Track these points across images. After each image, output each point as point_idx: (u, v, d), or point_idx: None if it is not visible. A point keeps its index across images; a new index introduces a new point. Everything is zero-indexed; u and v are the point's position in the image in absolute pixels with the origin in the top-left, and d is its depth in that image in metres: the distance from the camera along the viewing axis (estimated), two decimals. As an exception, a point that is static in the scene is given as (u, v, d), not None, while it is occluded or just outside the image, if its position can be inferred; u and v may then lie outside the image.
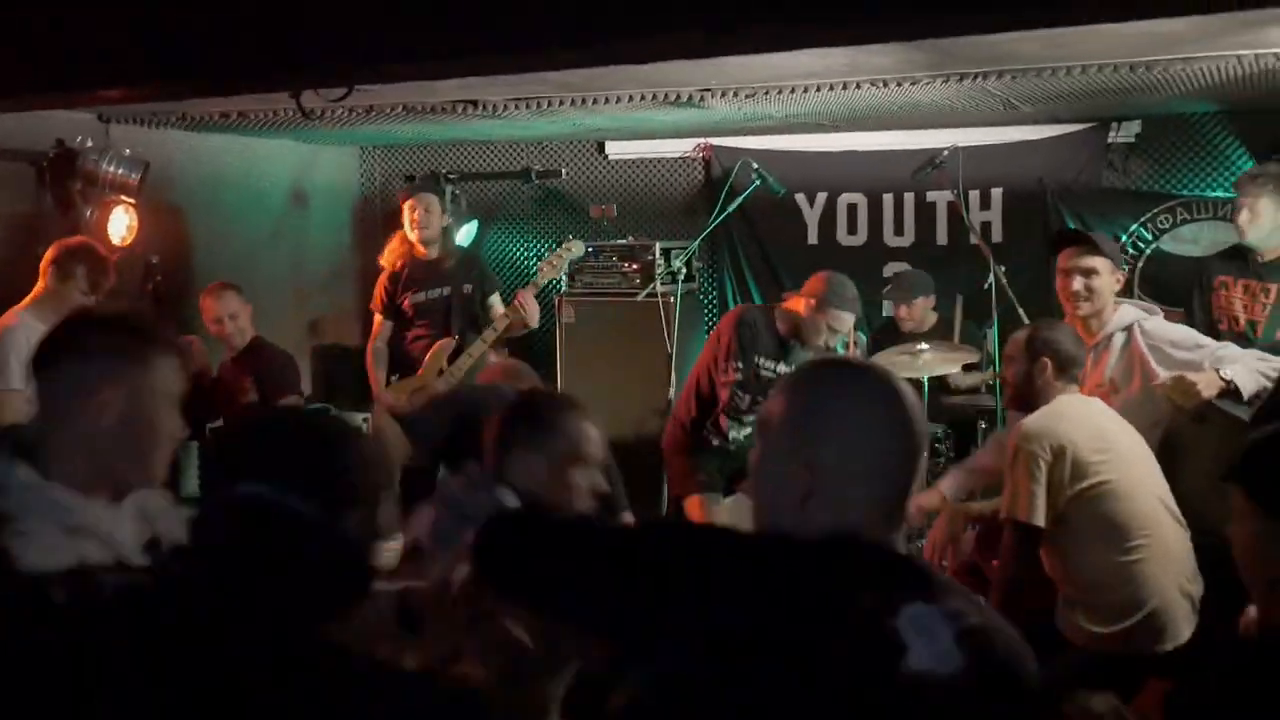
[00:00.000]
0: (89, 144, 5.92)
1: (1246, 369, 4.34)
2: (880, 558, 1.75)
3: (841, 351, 5.63)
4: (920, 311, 6.72)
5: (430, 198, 6.36)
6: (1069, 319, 4.49)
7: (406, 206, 6.35)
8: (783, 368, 5.36)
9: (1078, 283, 4.48)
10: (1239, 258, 5.42)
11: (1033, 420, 3.94)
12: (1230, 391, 4.31)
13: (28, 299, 4.98)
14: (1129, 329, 4.47)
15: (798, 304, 5.34)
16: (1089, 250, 4.45)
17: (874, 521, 1.78)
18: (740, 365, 5.25)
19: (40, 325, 4.80)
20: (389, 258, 6.45)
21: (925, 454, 1.85)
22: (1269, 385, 4.27)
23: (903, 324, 6.81)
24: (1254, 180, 5.28)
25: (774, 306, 5.56)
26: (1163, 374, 4.37)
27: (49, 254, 5.08)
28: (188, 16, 3.50)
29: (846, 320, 5.32)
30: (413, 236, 6.32)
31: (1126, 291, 6.55)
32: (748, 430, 5.25)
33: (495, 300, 6.43)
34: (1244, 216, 5.25)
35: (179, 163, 6.84)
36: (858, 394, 1.82)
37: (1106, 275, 4.46)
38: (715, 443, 5.45)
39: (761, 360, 5.36)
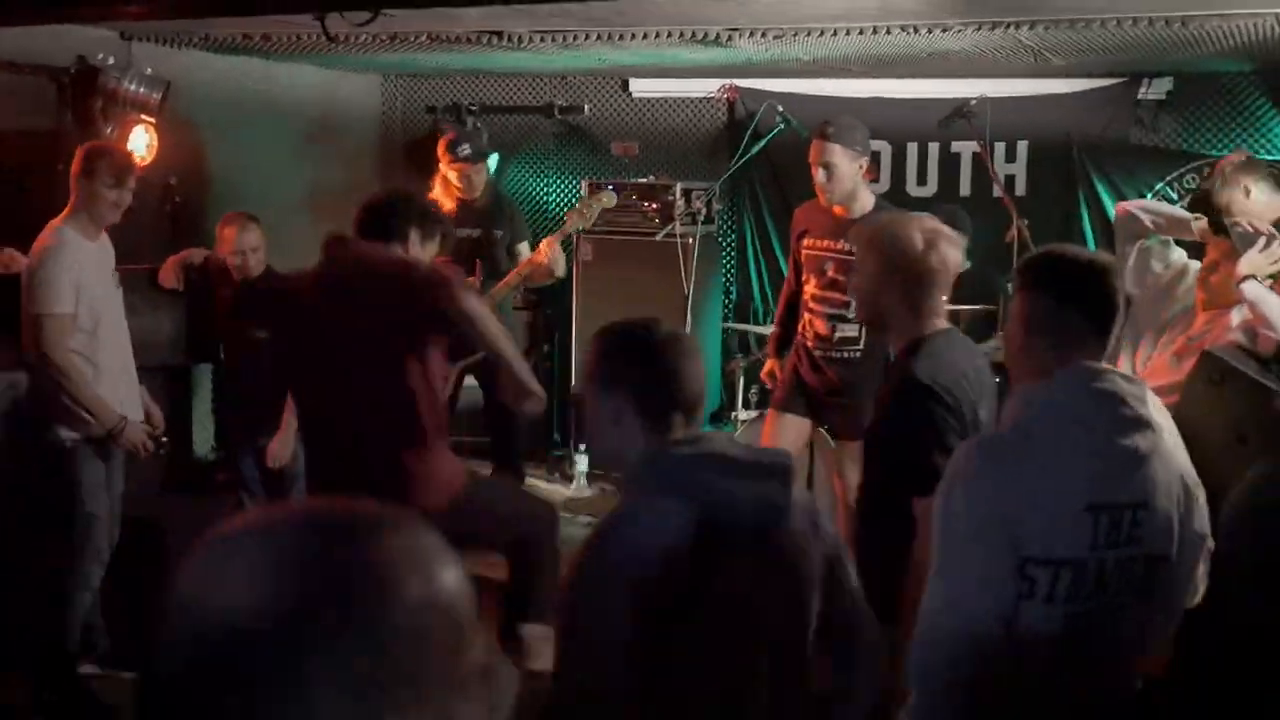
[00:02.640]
0: (110, 61, 5.87)
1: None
2: None
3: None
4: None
5: (481, 166, 6.37)
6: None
7: (455, 170, 6.30)
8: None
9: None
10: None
11: None
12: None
13: (64, 213, 4.94)
14: None
15: None
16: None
17: None
18: None
19: (83, 239, 4.81)
20: (440, 200, 6.43)
21: None
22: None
23: None
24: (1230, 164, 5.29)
25: None
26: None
27: (73, 165, 5.04)
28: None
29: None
30: (461, 192, 6.35)
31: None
32: None
33: (524, 248, 6.45)
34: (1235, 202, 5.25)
35: (200, 84, 6.79)
36: None
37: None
38: None
39: None
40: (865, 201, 5.29)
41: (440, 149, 6.38)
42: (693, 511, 2.17)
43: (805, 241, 5.42)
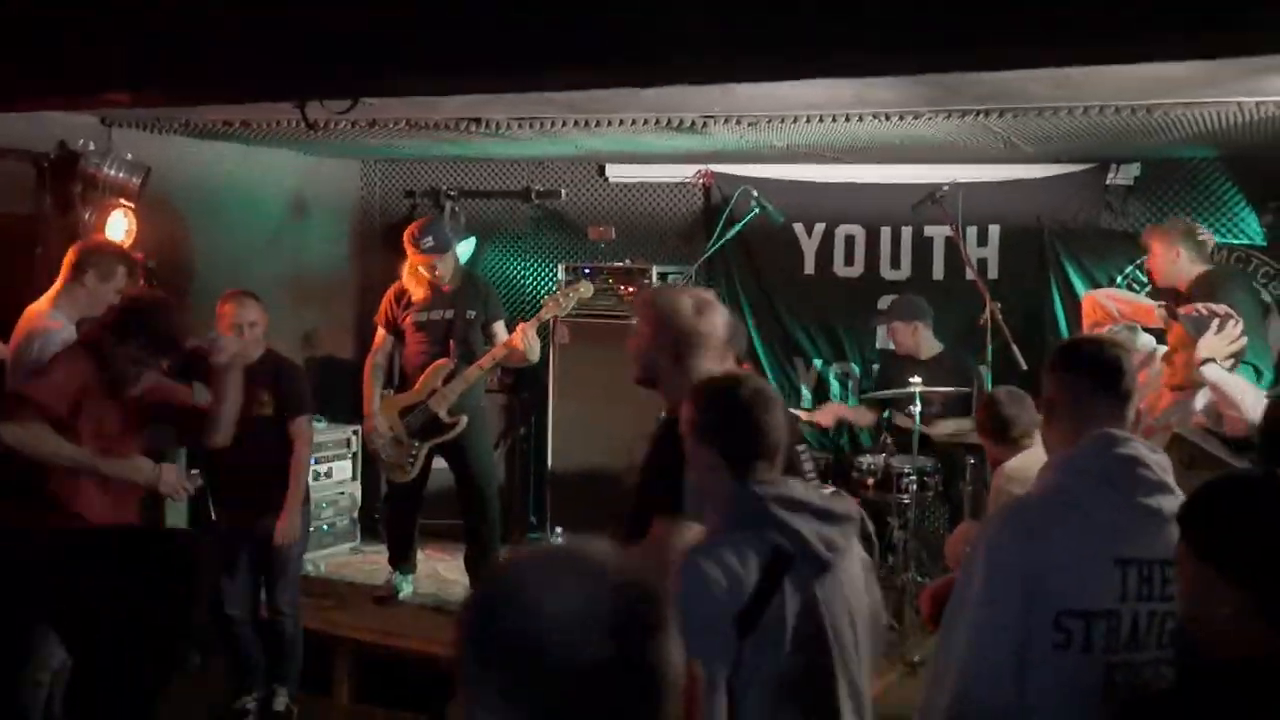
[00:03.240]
0: (91, 146, 5.93)
1: (1225, 372, 4.50)
2: None
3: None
4: (909, 336, 6.73)
5: (447, 255, 6.41)
6: None
7: (421, 261, 6.34)
8: None
9: None
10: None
11: (1014, 463, 4.03)
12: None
13: (51, 295, 4.96)
14: None
15: None
16: None
17: None
18: None
19: (69, 324, 4.86)
20: (410, 288, 6.47)
21: None
22: (1230, 393, 4.41)
23: (897, 348, 6.85)
24: (1151, 229, 5.72)
25: None
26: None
27: (76, 252, 5.05)
28: (194, 23, 3.51)
29: None
30: (429, 282, 6.41)
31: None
32: None
33: (500, 328, 6.48)
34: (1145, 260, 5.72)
35: (180, 168, 6.83)
36: None
37: None
38: None
39: None
40: None
41: (406, 240, 6.42)
42: (765, 544, 2.63)
43: None
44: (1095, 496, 2.64)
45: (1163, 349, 4.84)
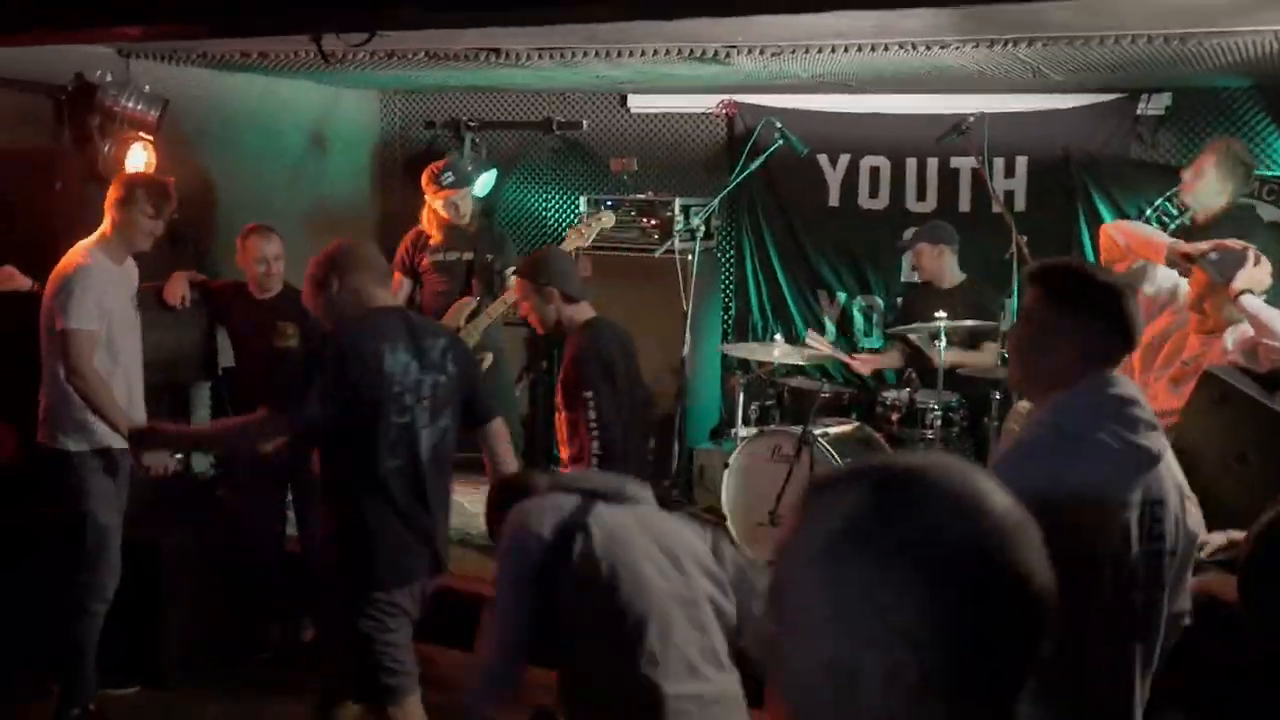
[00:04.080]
0: (108, 79, 5.87)
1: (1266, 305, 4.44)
2: None
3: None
4: (934, 260, 6.65)
5: (466, 192, 6.39)
6: None
7: (440, 198, 6.33)
8: None
9: None
10: (1183, 233, 5.49)
11: (1027, 403, 3.96)
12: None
13: (95, 236, 5.00)
14: None
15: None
16: None
17: None
18: None
19: (112, 264, 4.92)
20: (429, 228, 6.48)
21: None
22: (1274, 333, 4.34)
23: (920, 273, 6.79)
24: (1215, 147, 5.43)
25: None
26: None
27: (111, 191, 5.08)
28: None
29: None
30: (447, 220, 6.41)
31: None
32: None
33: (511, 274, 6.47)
34: (1189, 174, 5.42)
35: (199, 101, 6.79)
36: None
37: None
38: None
39: None
40: None
41: (425, 179, 6.39)
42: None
43: None
44: (1104, 436, 2.62)
45: (1185, 283, 4.75)
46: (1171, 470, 2.76)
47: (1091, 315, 2.71)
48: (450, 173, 6.33)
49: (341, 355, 3.90)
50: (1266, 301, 4.56)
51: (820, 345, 6.96)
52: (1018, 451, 2.77)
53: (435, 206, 6.40)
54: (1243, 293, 4.52)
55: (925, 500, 1.15)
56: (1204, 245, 4.65)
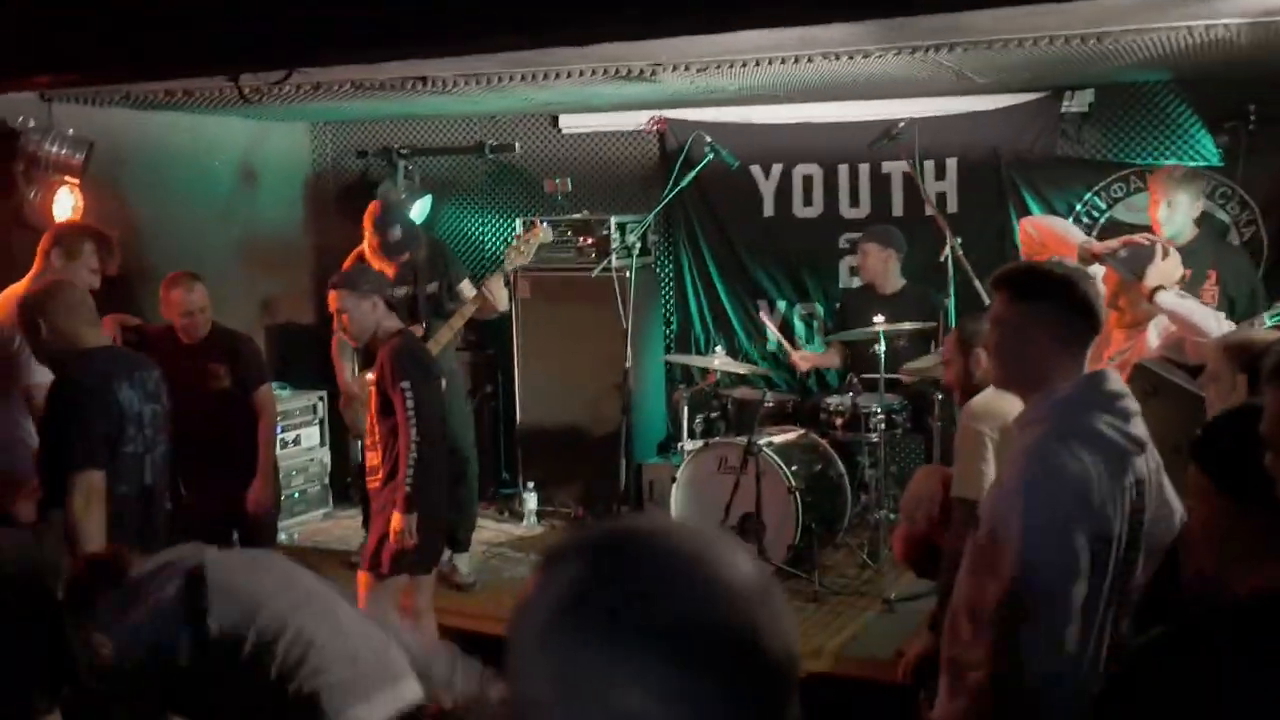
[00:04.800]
0: (31, 124, 5.82)
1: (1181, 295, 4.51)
2: None
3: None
4: (880, 262, 6.68)
5: (394, 231, 6.27)
6: None
7: (389, 267, 6.24)
8: None
9: None
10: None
11: (980, 400, 3.99)
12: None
13: (25, 281, 4.96)
14: None
15: None
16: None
17: None
18: None
19: None
20: (370, 259, 6.40)
21: None
22: (1189, 318, 4.42)
23: (862, 274, 6.82)
24: (1170, 176, 5.57)
25: None
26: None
27: (48, 237, 5.05)
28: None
29: None
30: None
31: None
32: None
33: (465, 286, 6.44)
34: (1163, 211, 5.49)
35: (125, 141, 6.72)
36: None
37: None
38: None
39: None
40: None
41: (367, 224, 6.21)
42: None
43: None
44: (1104, 428, 2.78)
45: (1099, 270, 4.81)
46: (1152, 450, 2.94)
47: (1055, 304, 2.86)
48: (397, 227, 6.16)
49: (82, 394, 4.21)
50: (1222, 294, 4.66)
51: (771, 323, 7.02)
52: (1037, 451, 2.84)
53: (374, 246, 6.29)
54: (1157, 289, 4.59)
55: (642, 565, 1.06)
56: (1113, 243, 4.72)
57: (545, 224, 6.78)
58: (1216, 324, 4.49)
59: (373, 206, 6.33)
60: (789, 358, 7.13)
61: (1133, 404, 2.86)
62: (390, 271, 6.21)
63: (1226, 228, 6.34)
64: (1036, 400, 2.89)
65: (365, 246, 6.33)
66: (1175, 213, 5.47)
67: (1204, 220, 5.76)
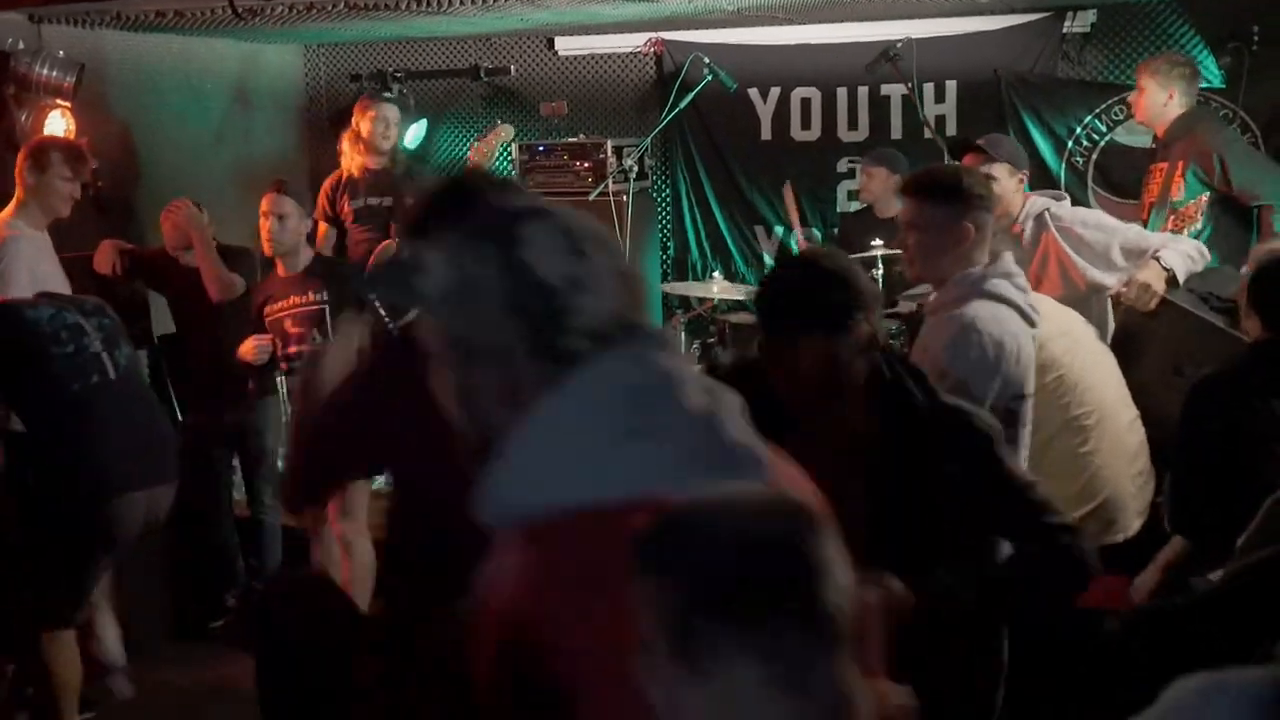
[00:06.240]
0: (20, 46, 5.74)
1: (1176, 253, 4.49)
2: None
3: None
4: (885, 188, 6.61)
5: (393, 110, 6.34)
6: None
7: (367, 117, 6.26)
8: None
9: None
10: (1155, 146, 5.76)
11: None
12: (1170, 279, 4.46)
13: (11, 207, 4.95)
14: (1039, 218, 4.61)
15: None
16: (985, 159, 4.56)
17: None
18: None
19: (35, 231, 4.86)
20: (347, 164, 6.41)
21: None
22: (1195, 267, 4.44)
23: (865, 194, 6.75)
24: (1144, 66, 5.61)
25: None
26: (1093, 272, 4.51)
27: (19, 157, 5.02)
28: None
29: None
30: (370, 145, 6.30)
31: (1081, 182, 6.58)
32: None
33: None
34: (1133, 98, 5.67)
35: (116, 64, 6.64)
36: None
37: (1006, 179, 4.59)
38: None
39: None
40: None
41: (359, 104, 6.33)
42: None
43: (265, 311, 5.45)
44: (1014, 297, 3.35)
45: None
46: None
47: (963, 203, 3.33)
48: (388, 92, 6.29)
49: None
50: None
51: (791, 202, 7.03)
52: (962, 315, 3.26)
53: (362, 128, 6.33)
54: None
55: None
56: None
57: (505, 125, 6.75)
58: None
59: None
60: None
61: (1023, 280, 3.42)
62: (368, 153, 6.26)
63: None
64: (950, 284, 3.34)
65: (344, 142, 6.36)
66: (1144, 98, 5.50)
67: (1198, 116, 5.64)
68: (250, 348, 5.38)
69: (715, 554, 1.26)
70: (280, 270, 5.51)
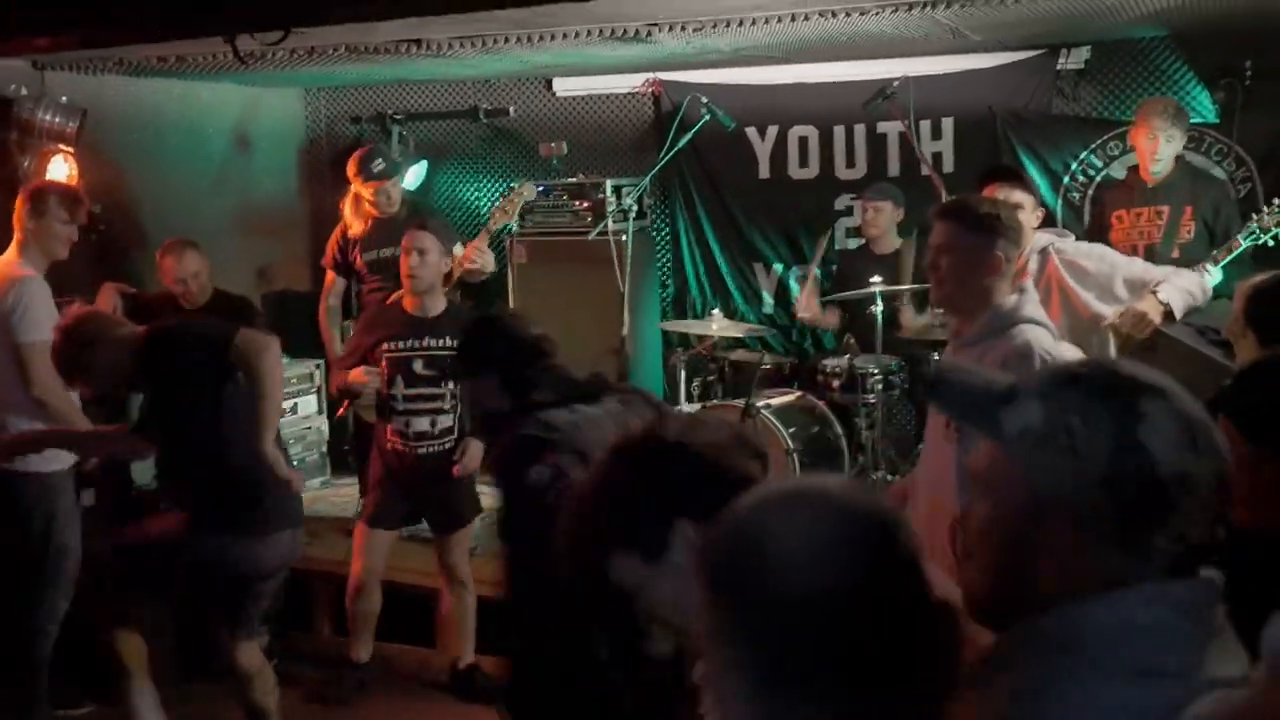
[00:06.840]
0: (23, 92, 5.79)
1: (1175, 289, 4.53)
2: None
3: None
4: (885, 217, 6.62)
5: (397, 179, 6.35)
6: None
7: (372, 189, 6.28)
8: None
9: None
10: (1127, 188, 5.82)
11: None
12: (1167, 314, 4.51)
13: (13, 251, 5.00)
14: (1042, 252, 4.66)
15: None
16: (1015, 185, 4.65)
17: None
18: None
19: (38, 273, 4.90)
20: (350, 222, 6.43)
21: None
22: (1196, 303, 4.49)
23: (867, 229, 6.75)
24: (1165, 110, 5.58)
25: None
26: (1095, 304, 4.55)
27: (18, 201, 5.07)
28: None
29: None
30: (376, 209, 6.40)
31: (1078, 217, 6.60)
32: None
33: (457, 249, 6.40)
34: (1163, 148, 5.55)
35: (118, 109, 6.69)
36: None
37: (1029, 212, 4.64)
38: None
39: None
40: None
41: (351, 170, 6.32)
42: None
43: (384, 346, 5.33)
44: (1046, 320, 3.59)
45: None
46: None
47: (996, 233, 3.48)
48: (380, 160, 6.28)
49: None
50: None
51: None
52: (1021, 349, 3.40)
53: (364, 197, 6.34)
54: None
55: None
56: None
57: (528, 181, 6.75)
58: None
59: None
60: (795, 305, 7.03)
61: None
62: (368, 217, 6.27)
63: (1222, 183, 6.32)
64: (990, 315, 3.47)
65: (345, 206, 6.39)
66: (1168, 147, 5.53)
67: (1181, 160, 5.74)
68: (360, 375, 5.29)
69: None
70: (409, 307, 5.38)
